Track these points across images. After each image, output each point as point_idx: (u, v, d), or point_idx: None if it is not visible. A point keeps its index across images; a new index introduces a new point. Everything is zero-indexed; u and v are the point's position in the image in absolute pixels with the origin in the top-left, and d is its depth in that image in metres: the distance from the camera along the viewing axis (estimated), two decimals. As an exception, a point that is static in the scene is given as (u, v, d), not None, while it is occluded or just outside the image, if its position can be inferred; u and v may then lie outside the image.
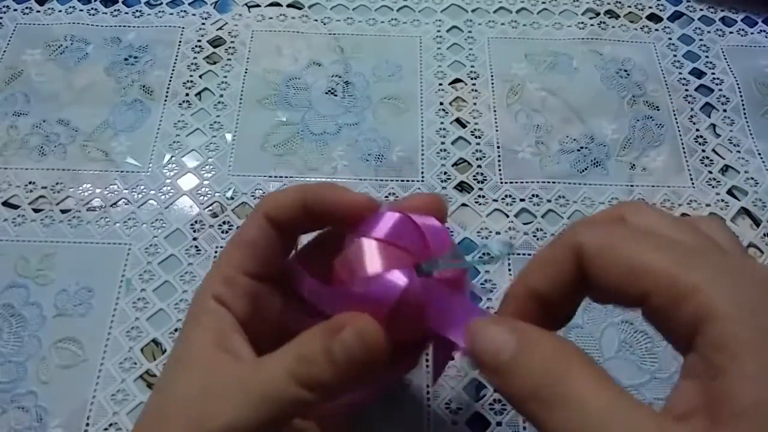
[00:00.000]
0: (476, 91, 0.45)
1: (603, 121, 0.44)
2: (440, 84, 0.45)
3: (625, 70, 0.46)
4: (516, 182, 0.41)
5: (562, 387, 0.18)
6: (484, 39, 0.48)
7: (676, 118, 0.44)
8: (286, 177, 0.41)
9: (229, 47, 0.47)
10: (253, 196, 0.40)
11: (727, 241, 0.21)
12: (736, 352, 0.16)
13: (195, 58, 0.46)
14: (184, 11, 0.49)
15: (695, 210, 0.40)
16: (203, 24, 0.48)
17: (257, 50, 0.47)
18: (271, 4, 0.49)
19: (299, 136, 0.43)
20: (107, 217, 0.39)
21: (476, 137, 0.43)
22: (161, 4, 0.49)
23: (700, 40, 0.48)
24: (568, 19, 0.49)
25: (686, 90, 0.45)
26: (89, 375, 0.34)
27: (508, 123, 0.44)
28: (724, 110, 0.45)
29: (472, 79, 0.46)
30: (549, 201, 0.40)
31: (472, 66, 0.46)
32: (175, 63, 0.46)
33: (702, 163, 0.42)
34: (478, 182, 0.41)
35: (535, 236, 0.39)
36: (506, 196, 0.40)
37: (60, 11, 0.48)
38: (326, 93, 0.45)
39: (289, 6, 0.49)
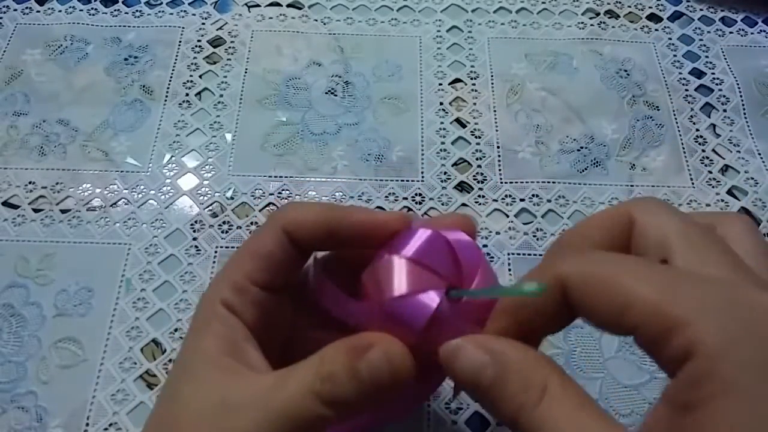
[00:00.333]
0: (476, 91, 0.45)
1: (603, 121, 0.44)
2: (440, 84, 0.45)
3: (625, 70, 0.46)
4: (516, 182, 0.41)
5: (537, 415, 0.18)
6: (484, 39, 0.48)
7: (676, 118, 0.44)
8: (286, 177, 0.41)
9: (229, 47, 0.47)
10: (253, 195, 0.40)
11: (748, 244, 0.21)
12: (713, 392, 0.16)
13: (195, 58, 0.46)
14: (184, 11, 0.49)
15: (695, 210, 0.40)
16: (203, 24, 0.48)
17: (257, 50, 0.47)
18: (271, 4, 0.49)
19: (299, 136, 0.43)
20: (107, 217, 0.39)
21: (476, 137, 0.43)
22: (161, 4, 0.49)
23: (700, 40, 0.48)
24: (568, 19, 0.49)
25: (686, 90, 0.45)
26: (89, 375, 0.34)
27: (508, 123, 0.44)
28: (724, 110, 0.45)
29: (472, 79, 0.46)
30: (549, 201, 0.40)
31: (472, 66, 0.46)
32: (175, 63, 0.46)
33: (702, 163, 0.42)
34: (478, 182, 0.41)
35: (535, 236, 0.39)
36: (506, 196, 0.40)
37: (60, 11, 0.48)
38: (326, 93, 0.45)
39: (289, 6, 0.49)
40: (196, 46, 0.47)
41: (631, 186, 0.41)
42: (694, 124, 0.44)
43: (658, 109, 0.44)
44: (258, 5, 0.49)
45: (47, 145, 0.42)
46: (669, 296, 0.18)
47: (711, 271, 0.19)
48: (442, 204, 0.40)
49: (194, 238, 0.38)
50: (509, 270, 0.38)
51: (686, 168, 0.42)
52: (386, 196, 0.40)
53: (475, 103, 0.44)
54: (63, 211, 0.39)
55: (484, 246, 0.38)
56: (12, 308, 0.36)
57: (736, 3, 0.50)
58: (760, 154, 0.43)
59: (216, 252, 0.38)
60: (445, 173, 0.41)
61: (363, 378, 0.21)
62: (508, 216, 0.40)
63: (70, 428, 0.32)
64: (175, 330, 0.35)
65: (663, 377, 0.34)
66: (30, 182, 0.40)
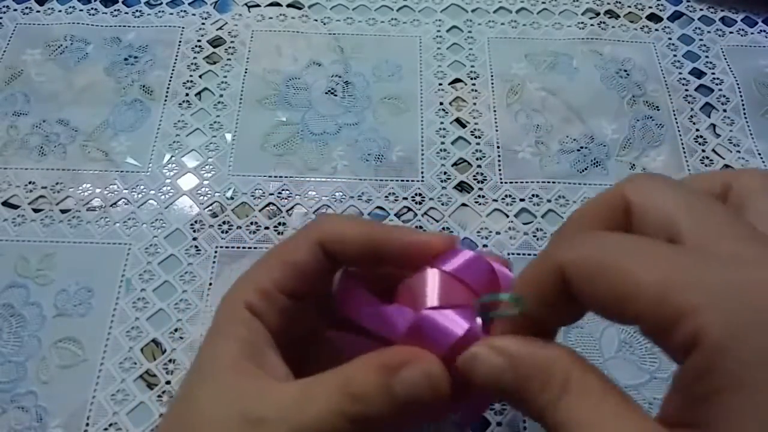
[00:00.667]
0: (476, 91, 0.45)
1: (603, 121, 0.44)
2: (440, 84, 0.45)
3: (625, 70, 0.46)
4: (516, 182, 0.41)
5: (560, 413, 0.18)
6: (484, 39, 0.48)
7: (676, 118, 0.44)
8: (286, 177, 0.41)
9: (229, 47, 0.47)
10: (253, 196, 0.40)
11: (761, 203, 0.19)
12: (720, 386, 0.15)
13: (195, 58, 0.46)
14: (184, 11, 0.49)
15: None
16: (203, 24, 0.48)
17: (257, 50, 0.47)
18: (271, 4, 0.49)
19: (299, 136, 0.43)
20: (107, 217, 0.39)
21: (476, 137, 0.43)
22: (161, 4, 0.49)
23: (700, 40, 0.48)
24: (568, 19, 0.49)
25: (686, 90, 0.45)
26: (89, 375, 0.34)
27: (508, 123, 0.44)
28: (724, 110, 0.45)
29: (472, 79, 0.46)
30: (549, 201, 0.40)
31: (472, 66, 0.46)
32: (175, 63, 0.46)
33: (702, 163, 0.42)
34: (478, 182, 0.41)
35: (535, 236, 0.39)
36: (506, 196, 0.40)
37: (60, 11, 0.48)
38: (326, 93, 0.45)
39: (289, 6, 0.49)
40: (196, 46, 0.47)
41: (631, 186, 0.41)
42: (694, 124, 0.44)
43: (658, 109, 0.44)
44: (258, 5, 0.49)
45: (47, 145, 0.42)
46: (673, 283, 0.16)
47: (723, 247, 0.17)
48: (442, 204, 0.40)
49: (194, 238, 0.38)
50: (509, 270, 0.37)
51: (686, 168, 0.42)
52: (386, 196, 0.40)
53: (475, 103, 0.44)
54: (63, 211, 0.39)
55: (485, 246, 0.38)
56: (12, 308, 0.36)
57: (736, 3, 0.50)
58: (760, 154, 0.43)
59: (216, 252, 0.38)
60: (445, 173, 0.41)
61: (398, 397, 0.20)
62: (508, 216, 0.40)
63: (70, 428, 0.32)
64: (175, 330, 0.35)
65: (663, 377, 0.34)
66: (30, 182, 0.40)
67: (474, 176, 0.41)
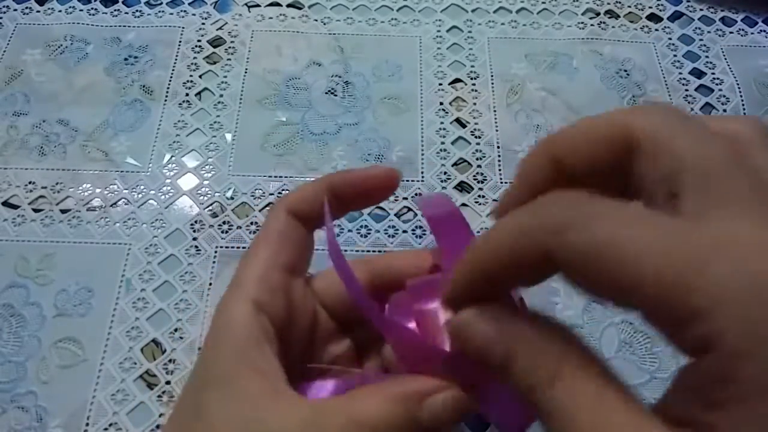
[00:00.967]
0: (476, 91, 0.45)
1: (603, 121, 0.44)
2: (440, 84, 0.45)
3: (625, 70, 0.46)
4: (516, 182, 0.41)
5: (550, 401, 0.16)
6: (484, 39, 0.48)
7: (676, 118, 0.44)
8: (286, 177, 0.41)
9: (229, 47, 0.47)
10: (252, 195, 0.40)
11: (758, 149, 0.17)
12: (736, 395, 0.14)
13: (195, 58, 0.46)
14: (184, 11, 0.49)
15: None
16: (203, 24, 0.48)
17: (257, 50, 0.47)
18: (271, 4, 0.49)
19: (299, 136, 0.43)
20: (107, 217, 0.39)
21: (476, 137, 0.43)
22: (161, 4, 0.49)
23: (700, 40, 0.48)
24: (568, 19, 0.49)
25: (686, 90, 0.45)
26: (89, 375, 0.34)
27: (508, 123, 0.44)
28: (724, 110, 0.45)
29: (472, 79, 0.46)
30: (549, 201, 0.40)
31: (472, 66, 0.46)
32: (175, 63, 0.46)
33: (702, 163, 0.42)
34: (478, 182, 0.41)
35: (535, 236, 0.39)
36: (506, 196, 0.40)
37: (60, 11, 0.48)
38: (326, 93, 0.45)
39: (289, 6, 0.49)
40: (196, 46, 0.47)
41: (631, 186, 0.41)
42: (694, 124, 0.44)
43: (658, 109, 0.44)
44: (258, 5, 0.49)
45: (47, 145, 0.42)
46: (683, 278, 0.14)
47: (737, 223, 0.15)
48: (442, 204, 0.40)
49: (194, 238, 0.38)
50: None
51: (686, 168, 0.42)
52: (386, 196, 0.40)
53: (475, 103, 0.44)
54: (63, 211, 0.39)
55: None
56: (12, 308, 0.36)
57: (736, 3, 0.50)
58: (760, 154, 0.42)
59: (216, 252, 0.38)
60: (445, 173, 0.41)
61: (425, 425, 0.20)
62: (508, 216, 0.40)
63: (70, 428, 0.32)
64: (175, 330, 0.35)
65: (663, 377, 0.34)
66: (30, 182, 0.40)
67: (474, 176, 0.41)
